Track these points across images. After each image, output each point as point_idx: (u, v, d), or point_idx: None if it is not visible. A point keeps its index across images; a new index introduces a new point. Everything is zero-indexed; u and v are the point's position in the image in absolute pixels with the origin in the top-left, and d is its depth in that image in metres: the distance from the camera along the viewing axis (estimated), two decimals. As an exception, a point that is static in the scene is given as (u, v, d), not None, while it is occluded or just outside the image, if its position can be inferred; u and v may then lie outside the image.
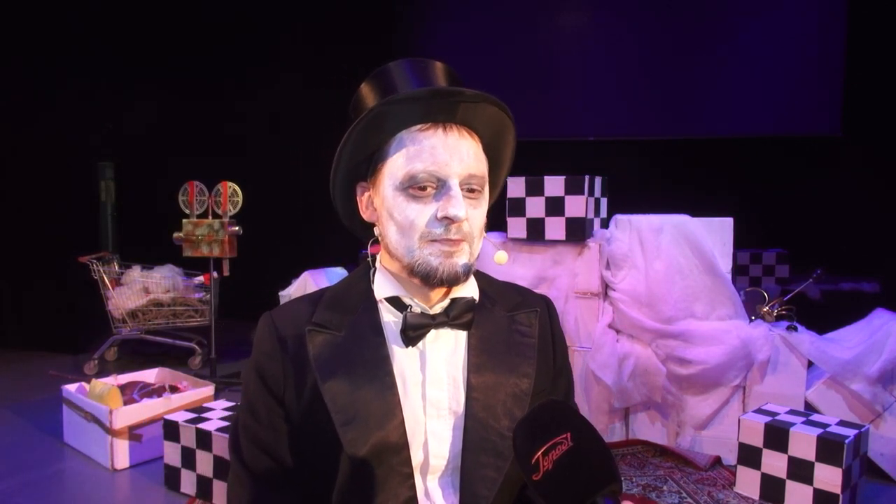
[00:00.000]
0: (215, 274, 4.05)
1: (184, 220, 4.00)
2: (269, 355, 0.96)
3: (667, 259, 2.89)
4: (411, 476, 0.91)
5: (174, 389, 3.12)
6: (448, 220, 0.88)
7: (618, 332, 2.99)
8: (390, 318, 0.97)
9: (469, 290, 0.99)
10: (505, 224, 3.17)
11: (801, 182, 4.99)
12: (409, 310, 0.94)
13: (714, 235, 2.94)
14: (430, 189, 0.89)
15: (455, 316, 0.94)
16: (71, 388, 3.08)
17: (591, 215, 3.04)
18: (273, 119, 5.53)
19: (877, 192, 4.61)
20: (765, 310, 2.89)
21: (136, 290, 4.36)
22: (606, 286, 3.02)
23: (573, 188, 2.99)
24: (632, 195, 3.56)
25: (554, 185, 3.02)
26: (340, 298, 0.99)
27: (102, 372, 4.10)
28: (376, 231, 0.97)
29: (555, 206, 3.02)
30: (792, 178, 5.04)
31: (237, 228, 3.95)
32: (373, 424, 0.89)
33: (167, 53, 5.45)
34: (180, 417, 2.62)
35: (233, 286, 4.40)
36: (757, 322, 2.87)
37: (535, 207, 3.06)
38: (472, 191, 0.91)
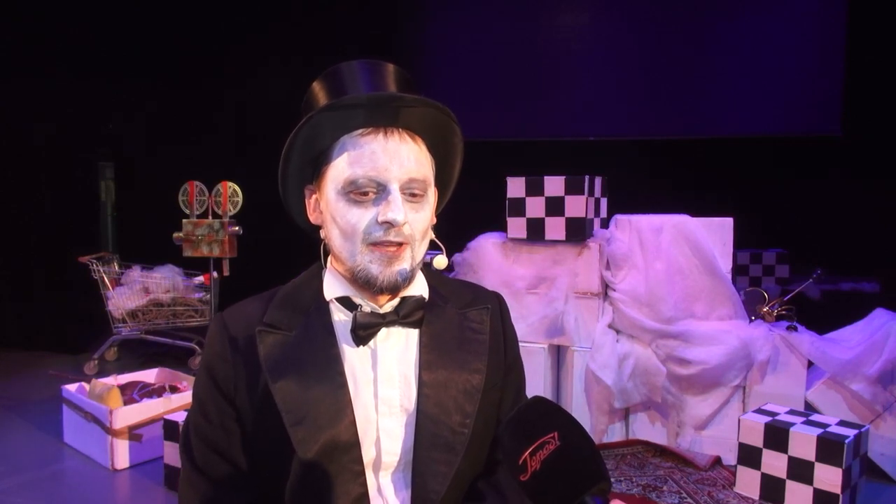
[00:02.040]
0: (215, 274, 4.05)
1: (184, 220, 4.00)
2: (220, 356, 0.96)
3: (667, 259, 2.89)
4: (362, 473, 0.92)
5: (174, 389, 3.12)
6: (388, 224, 0.89)
7: (618, 332, 2.99)
8: (341, 318, 0.97)
9: (418, 288, 1.00)
10: (505, 224, 3.17)
11: (801, 182, 4.98)
12: (358, 309, 0.95)
13: (714, 235, 2.95)
14: (371, 194, 0.90)
15: (405, 314, 0.95)
16: (71, 388, 3.08)
17: (591, 215, 3.04)
18: (274, 118, 5.52)
19: (877, 191, 4.60)
20: (765, 310, 2.89)
21: (136, 290, 4.36)
22: (606, 286, 3.02)
23: (573, 188, 2.99)
24: (632, 195, 3.56)
25: (554, 185, 3.02)
26: (292, 298, 0.99)
27: (102, 372, 4.10)
28: (322, 234, 0.98)
29: (555, 206, 3.02)
30: (792, 178, 5.04)
31: (237, 228, 3.95)
32: (323, 424, 0.90)
33: (167, 53, 5.44)
34: (180, 417, 2.62)
35: (233, 286, 4.39)
36: (757, 322, 2.87)
37: (535, 207, 3.06)
38: (413, 195, 0.92)
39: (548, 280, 3.07)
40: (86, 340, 4.62)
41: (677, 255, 2.90)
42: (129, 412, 2.80)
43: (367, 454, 0.93)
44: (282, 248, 5.17)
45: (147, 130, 5.52)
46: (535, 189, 3.06)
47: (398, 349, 0.97)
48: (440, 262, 1.02)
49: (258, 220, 4.31)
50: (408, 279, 0.93)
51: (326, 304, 0.98)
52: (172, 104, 5.56)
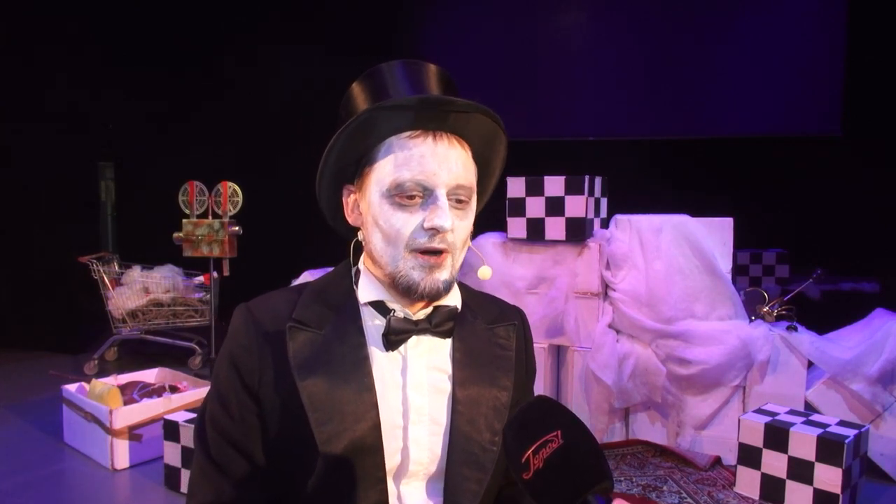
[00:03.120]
0: (215, 274, 4.05)
1: (184, 220, 4.00)
2: (246, 348, 0.93)
3: (667, 259, 2.89)
4: (383, 480, 0.91)
5: (174, 389, 3.12)
6: (434, 230, 0.87)
7: (618, 332, 2.99)
8: (372, 321, 0.96)
9: (452, 298, 0.99)
10: (505, 224, 3.17)
11: (801, 182, 4.99)
12: (392, 314, 0.94)
13: (714, 235, 2.95)
14: (418, 198, 0.88)
15: (437, 323, 0.94)
16: (71, 388, 3.08)
17: (591, 215, 3.04)
18: (274, 118, 5.53)
19: (877, 192, 4.61)
20: (765, 310, 2.89)
21: (136, 290, 4.36)
22: (606, 286, 3.02)
23: (573, 188, 2.99)
24: (632, 195, 3.56)
25: (554, 185, 3.02)
26: (322, 296, 0.98)
27: (102, 372, 4.10)
28: (360, 235, 0.96)
29: (555, 206, 3.02)
30: (792, 178, 5.04)
31: (237, 228, 3.95)
32: (348, 425, 0.89)
33: (167, 52, 5.44)
34: (180, 417, 2.62)
35: (233, 286, 4.39)
36: (757, 322, 2.87)
37: (535, 207, 3.06)
38: (459, 201, 0.91)
39: (548, 280, 3.07)
40: (86, 340, 4.62)
41: (677, 255, 2.90)
42: (129, 412, 2.80)
43: (391, 461, 0.92)
44: (282, 249, 5.18)
45: (147, 130, 5.53)
46: (535, 189, 3.06)
47: (428, 358, 0.96)
48: (485, 272, 1.01)
49: (258, 220, 4.31)
50: (449, 287, 0.91)
51: (357, 305, 0.96)
52: (173, 104, 5.57)
